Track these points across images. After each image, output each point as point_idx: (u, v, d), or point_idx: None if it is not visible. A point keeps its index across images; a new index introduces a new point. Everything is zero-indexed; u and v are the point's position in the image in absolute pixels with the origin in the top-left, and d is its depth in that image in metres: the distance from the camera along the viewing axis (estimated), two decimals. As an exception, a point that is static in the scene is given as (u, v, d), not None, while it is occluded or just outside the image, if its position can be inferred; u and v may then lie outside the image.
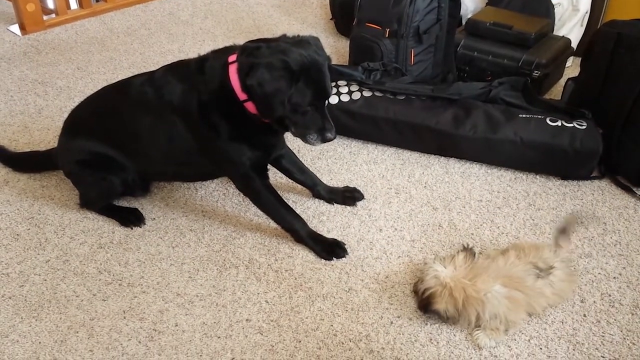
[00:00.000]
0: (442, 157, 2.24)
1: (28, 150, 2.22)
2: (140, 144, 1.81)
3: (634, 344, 1.57)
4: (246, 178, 1.78)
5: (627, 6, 2.75)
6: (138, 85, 1.78)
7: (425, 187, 2.10)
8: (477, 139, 2.12)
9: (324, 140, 1.67)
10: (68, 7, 3.21)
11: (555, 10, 2.75)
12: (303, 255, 1.82)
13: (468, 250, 1.64)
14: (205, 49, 2.96)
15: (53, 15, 3.17)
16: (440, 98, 2.24)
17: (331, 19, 3.23)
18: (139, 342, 1.56)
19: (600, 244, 1.88)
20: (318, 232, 1.86)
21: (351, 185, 2.07)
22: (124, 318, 1.63)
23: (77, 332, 1.59)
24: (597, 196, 2.08)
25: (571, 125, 2.09)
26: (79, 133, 1.89)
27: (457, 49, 2.58)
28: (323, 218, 1.96)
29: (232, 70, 1.62)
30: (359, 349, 1.55)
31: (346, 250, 1.82)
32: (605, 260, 1.82)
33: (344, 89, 2.30)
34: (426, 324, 1.61)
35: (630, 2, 2.76)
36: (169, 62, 1.83)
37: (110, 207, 1.97)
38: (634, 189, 2.09)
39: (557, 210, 2.01)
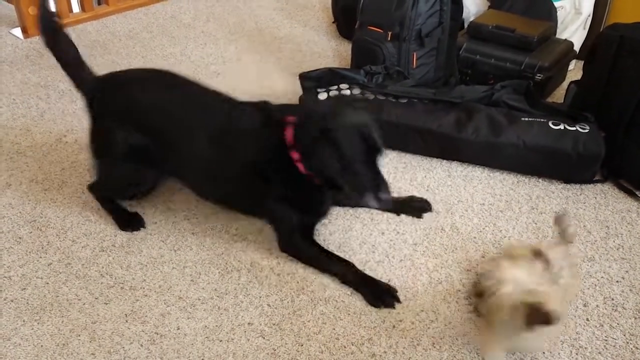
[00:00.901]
0: (445, 161, 2.24)
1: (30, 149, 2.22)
2: (190, 158, 1.79)
3: (637, 348, 1.56)
4: (295, 239, 1.79)
5: (630, 9, 2.75)
6: (212, 105, 1.79)
7: (427, 190, 2.10)
8: (480, 142, 2.12)
9: (379, 201, 1.62)
10: (70, 10, 3.22)
11: (557, 13, 2.75)
12: (305, 259, 1.82)
13: (539, 254, 1.41)
14: (207, 51, 2.98)
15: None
16: (443, 101, 2.24)
17: (333, 22, 3.23)
18: (141, 346, 1.56)
19: (603, 248, 1.88)
20: (321, 235, 1.86)
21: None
22: (126, 321, 1.62)
23: (79, 335, 1.59)
24: (599, 200, 2.07)
25: (574, 128, 2.09)
26: (130, 121, 1.80)
27: (459, 52, 2.58)
28: (325, 221, 1.96)
29: (289, 135, 1.66)
30: (361, 352, 1.55)
31: (398, 299, 1.68)
32: (608, 264, 1.82)
33: (346, 92, 2.30)
34: (428, 327, 1.61)
35: (633, 5, 2.76)
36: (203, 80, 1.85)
37: (116, 205, 1.96)
38: (637, 193, 2.09)
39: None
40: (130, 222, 1.92)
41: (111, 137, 1.82)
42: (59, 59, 1.89)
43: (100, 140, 1.87)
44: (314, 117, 1.64)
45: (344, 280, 1.72)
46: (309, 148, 1.62)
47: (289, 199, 1.73)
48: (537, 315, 1.29)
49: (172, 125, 1.78)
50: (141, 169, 1.85)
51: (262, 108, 1.76)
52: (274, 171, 1.71)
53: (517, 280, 1.34)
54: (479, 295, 1.40)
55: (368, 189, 1.61)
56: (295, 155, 1.65)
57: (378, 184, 1.61)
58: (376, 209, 1.70)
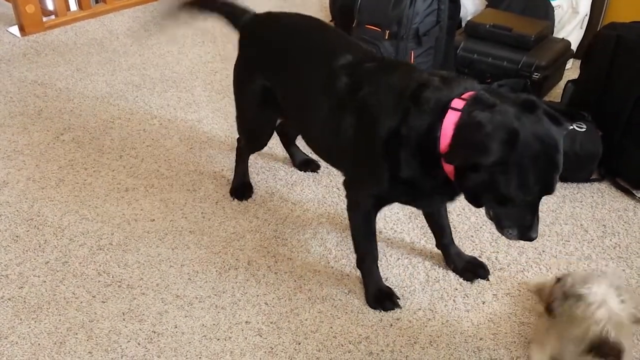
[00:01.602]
0: (442, 159, 2.24)
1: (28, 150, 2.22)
2: (304, 110, 1.70)
3: (633, 347, 1.57)
4: (363, 203, 1.62)
5: (627, 8, 2.76)
6: (339, 67, 1.57)
7: (425, 189, 2.10)
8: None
9: (525, 239, 1.39)
10: (67, 8, 3.21)
11: (555, 12, 2.75)
12: (303, 257, 1.82)
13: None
14: (205, 50, 2.98)
15: (52, 17, 3.17)
16: (440, 100, 2.24)
17: (331, 21, 3.23)
18: (138, 344, 1.56)
19: (599, 247, 1.88)
20: (318, 234, 1.86)
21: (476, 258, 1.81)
22: (123, 320, 1.62)
23: (77, 333, 1.58)
24: (596, 199, 2.08)
25: (571, 127, 2.09)
26: (260, 63, 1.79)
27: (456, 51, 2.58)
28: (322, 220, 1.96)
29: (449, 121, 1.34)
30: (359, 351, 1.55)
31: (398, 305, 1.66)
32: (604, 263, 1.82)
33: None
34: (426, 326, 1.61)
35: (630, 5, 2.76)
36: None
37: (242, 170, 2.07)
38: (634, 192, 2.09)
39: (557, 213, 2.01)
40: (242, 192, 2.05)
41: (244, 75, 1.85)
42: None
43: (236, 77, 1.89)
44: (493, 119, 1.28)
45: (360, 266, 1.70)
46: (469, 168, 1.33)
47: (401, 182, 1.48)
48: (608, 349, 1.29)
49: (291, 73, 1.72)
50: (264, 111, 1.84)
51: (423, 81, 1.43)
52: (406, 154, 1.42)
53: (611, 309, 1.31)
54: (551, 299, 1.39)
55: (516, 227, 1.38)
56: (443, 142, 1.34)
57: (530, 222, 1.37)
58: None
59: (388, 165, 1.47)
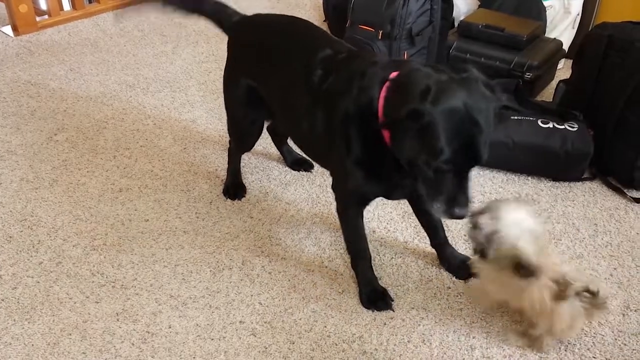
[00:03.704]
0: (435, 159, 2.25)
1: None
2: (287, 110, 1.73)
3: (625, 344, 1.58)
4: (346, 201, 1.65)
5: (618, 9, 2.77)
6: (317, 61, 1.60)
7: (418, 188, 2.11)
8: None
9: (450, 215, 1.35)
10: (61, 8, 3.21)
11: (547, 12, 2.76)
12: (297, 257, 1.83)
13: None
14: (199, 50, 2.98)
15: (46, 17, 3.16)
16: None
17: (324, 21, 3.24)
18: (132, 344, 1.56)
19: (591, 245, 1.90)
20: (312, 234, 1.86)
21: None
22: (117, 320, 1.62)
23: (70, 334, 1.59)
24: (588, 197, 2.09)
25: (563, 127, 2.11)
26: (245, 64, 1.82)
27: (449, 51, 2.59)
28: (316, 219, 1.96)
29: (381, 102, 1.39)
30: (353, 350, 1.56)
31: (390, 306, 1.66)
32: (596, 261, 1.84)
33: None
34: (419, 325, 1.62)
35: (621, 5, 2.78)
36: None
37: (234, 170, 2.07)
38: (625, 191, 2.11)
39: (549, 212, 2.02)
40: (234, 191, 2.06)
41: (232, 76, 1.88)
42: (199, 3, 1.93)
43: (224, 78, 1.92)
44: (411, 86, 1.32)
45: (354, 267, 1.72)
46: (393, 124, 1.35)
47: (365, 165, 1.51)
48: (527, 267, 1.39)
49: (274, 72, 1.73)
50: (250, 112, 1.87)
51: (374, 61, 1.51)
52: (358, 131, 1.47)
53: (525, 227, 1.41)
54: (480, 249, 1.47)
55: (441, 200, 1.35)
56: (381, 123, 1.40)
57: (456, 197, 1.33)
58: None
59: (348, 149, 1.49)
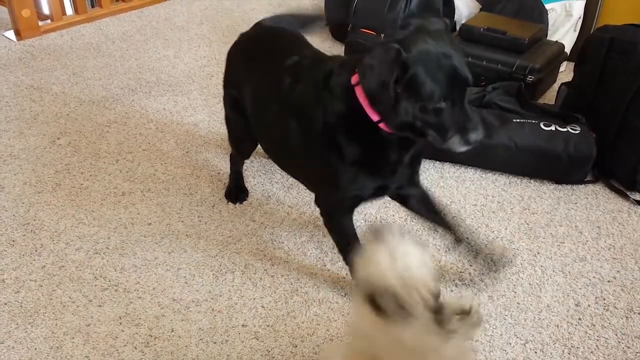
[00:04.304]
0: (437, 162, 2.25)
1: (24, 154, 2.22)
2: (258, 116, 1.76)
3: (628, 347, 1.58)
4: (337, 210, 1.65)
5: (620, 11, 2.78)
6: (284, 68, 1.64)
7: (420, 191, 2.11)
8: (472, 143, 2.13)
9: (469, 142, 1.37)
10: (63, 12, 3.21)
11: (548, 15, 2.77)
12: (299, 261, 1.82)
13: None
14: (201, 54, 2.99)
15: (48, 21, 3.17)
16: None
17: (326, 25, 3.24)
18: (135, 348, 1.56)
19: (594, 248, 1.89)
20: (314, 236, 1.86)
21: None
22: (120, 324, 1.62)
23: (73, 338, 1.59)
24: (590, 200, 2.09)
25: (565, 129, 2.11)
26: (230, 76, 1.90)
27: (451, 54, 2.59)
28: (319, 223, 1.96)
29: (359, 90, 1.43)
30: (355, 353, 1.55)
31: None
32: (599, 264, 1.83)
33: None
34: (422, 328, 1.62)
35: (623, 8, 2.78)
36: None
37: (237, 174, 2.07)
38: (628, 193, 2.11)
39: (552, 215, 2.02)
40: (235, 195, 2.06)
41: (224, 85, 1.92)
42: None
43: (223, 88, 1.95)
44: (382, 55, 1.34)
45: (353, 274, 1.70)
46: (378, 92, 1.36)
47: (361, 165, 1.52)
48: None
49: (247, 83, 1.77)
50: (241, 121, 1.88)
51: (323, 65, 1.58)
52: (347, 136, 1.49)
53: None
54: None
55: (454, 130, 1.36)
56: (370, 112, 1.42)
57: (465, 122, 1.36)
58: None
59: (340, 154, 1.50)
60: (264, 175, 2.19)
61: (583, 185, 2.15)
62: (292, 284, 1.75)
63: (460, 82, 1.35)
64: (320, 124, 1.51)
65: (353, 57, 1.53)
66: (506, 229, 1.96)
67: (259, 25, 1.93)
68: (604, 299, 1.72)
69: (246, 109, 1.81)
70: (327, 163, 1.54)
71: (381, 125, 1.43)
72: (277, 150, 1.78)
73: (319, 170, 1.60)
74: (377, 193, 1.64)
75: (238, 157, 2.07)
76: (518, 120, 2.15)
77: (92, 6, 3.34)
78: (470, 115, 1.37)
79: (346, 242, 1.68)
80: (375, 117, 1.43)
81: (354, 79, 1.44)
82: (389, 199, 1.82)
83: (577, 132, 2.10)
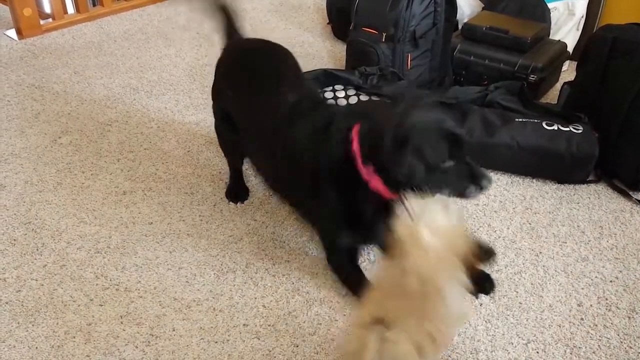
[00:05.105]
0: (439, 161, 2.25)
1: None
2: (256, 146, 1.83)
3: (631, 347, 1.57)
4: (336, 257, 1.74)
5: (623, 10, 2.77)
6: (283, 108, 1.71)
7: (422, 191, 2.11)
8: (474, 143, 2.12)
9: (483, 188, 1.50)
10: (65, 11, 3.22)
11: (551, 14, 2.76)
12: (300, 260, 1.82)
13: None
14: (202, 53, 2.98)
15: (50, 20, 3.17)
16: (437, 102, 2.25)
17: (328, 24, 3.24)
18: (136, 347, 1.56)
19: (596, 248, 1.89)
20: (316, 236, 1.86)
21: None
22: (121, 323, 1.62)
23: (74, 337, 1.59)
24: (593, 200, 2.08)
25: (567, 129, 2.10)
26: (221, 90, 1.94)
27: (453, 54, 2.59)
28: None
29: (356, 146, 1.52)
30: (357, 353, 1.55)
31: None
32: (602, 264, 1.83)
33: (341, 94, 2.31)
34: (423, 328, 1.62)
35: (626, 7, 2.77)
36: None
37: (237, 174, 2.08)
38: (630, 193, 2.10)
39: (554, 214, 2.01)
40: (235, 194, 2.06)
41: (213, 95, 1.99)
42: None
43: (212, 100, 2.00)
44: (383, 125, 1.46)
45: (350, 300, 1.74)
46: (387, 161, 1.44)
47: (344, 215, 1.62)
48: None
49: (241, 106, 1.84)
50: (230, 134, 1.94)
51: (325, 111, 1.67)
52: (334, 184, 1.59)
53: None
54: None
55: (468, 183, 1.49)
56: (363, 170, 1.51)
57: (474, 173, 1.49)
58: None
59: (333, 201, 1.60)
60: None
61: (585, 184, 2.14)
62: (293, 283, 1.75)
63: (458, 142, 1.47)
64: (315, 168, 1.59)
65: (354, 112, 1.65)
66: (508, 228, 1.95)
67: (237, 40, 2.00)
68: (607, 299, 1.71)
69: (237, 123, 1.86)
70: (327, 208, 1.63)
71: (371, 185, 1.50)
72: (267, 173, 1.89)
73: (320, 214, 1.70)
74: (366, 242, 1.76)
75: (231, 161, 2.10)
76: (520, 120, 2.15)
77: (94, 5, 3.34)
78: (474, 166, 1.50)
79: (351, 280, 1.71)
80: (365, 177, 1.50)
81: (354, 131, 1.53)
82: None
83: (580, 131, 2.09)
